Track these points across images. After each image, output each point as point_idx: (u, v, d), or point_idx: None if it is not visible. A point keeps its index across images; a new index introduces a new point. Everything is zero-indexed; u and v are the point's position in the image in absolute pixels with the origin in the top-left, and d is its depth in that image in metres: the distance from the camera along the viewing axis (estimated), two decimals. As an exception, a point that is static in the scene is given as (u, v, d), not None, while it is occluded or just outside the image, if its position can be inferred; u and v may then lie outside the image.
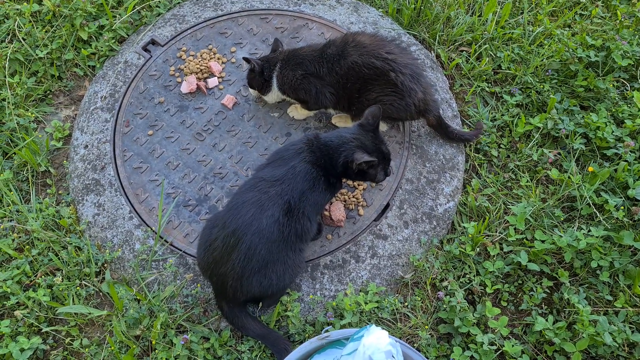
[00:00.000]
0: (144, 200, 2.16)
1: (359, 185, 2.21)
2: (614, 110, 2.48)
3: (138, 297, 1.96)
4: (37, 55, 2.47)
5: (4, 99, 2.39)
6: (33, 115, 2.40)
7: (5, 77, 2.40)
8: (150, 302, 1.94)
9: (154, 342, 1.87)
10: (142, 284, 2.00)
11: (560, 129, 2.42)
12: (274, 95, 2.26)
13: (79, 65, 2.56)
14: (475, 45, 2.64)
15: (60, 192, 2.29)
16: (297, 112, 2.33)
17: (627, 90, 2.55)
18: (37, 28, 2.52)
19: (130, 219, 2.13)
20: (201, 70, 2.41)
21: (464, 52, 2.68)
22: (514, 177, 2.36)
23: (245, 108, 2.36)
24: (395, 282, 2.09)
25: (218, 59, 2.45)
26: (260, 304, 1.92)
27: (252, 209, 1.76)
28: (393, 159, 2.25)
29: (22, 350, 1.90)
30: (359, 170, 1.87)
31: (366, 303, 1.95)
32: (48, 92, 2.52)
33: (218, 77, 2.41)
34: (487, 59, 2.62)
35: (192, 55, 2.46)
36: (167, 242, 2.08)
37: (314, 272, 2.05)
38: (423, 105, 2.15)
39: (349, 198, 2.18)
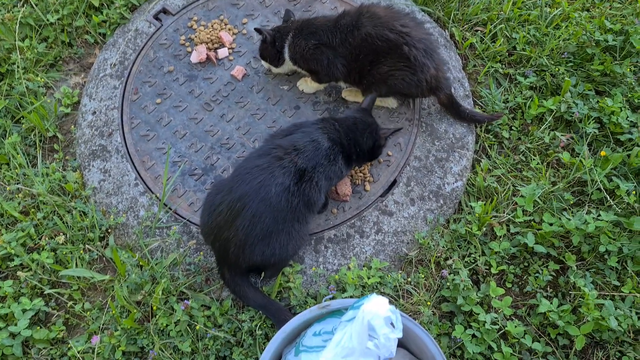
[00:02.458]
0: (150, 167, 2.15)
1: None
2: (630, 95, 2.43)
3: (141, 263, 1.95)
4: (48, 20, 2.46)
5: (13, 63, 2.38)
6: (42, 80, 2.40)
7: (15, 40, 2.39)
8: (153, 269, 1.94)
9: (154, 308, 1.87)
10: (145, 251, 2.00)
11: (574, 112, 2.38)
12: (285, 66, 2.24)
13: (90, 33, 2.55)
14: (491, 25, 2.60)
15: (67, 157, 2.29)
16: (307, 85, 2.30)
17: (645, 76, 2.51)
18: (49, -7, 2.51)
19: (135, 186, 2.12)
20: (211, 40, 2.38)
21: (479, 31, 2.63)
22: (524, 159, 2.32)
23: (254, 80, 2.34)
24: (399, 258, 2.07)
25: (229, 29, 2.43)
26: (263, 274, 1.91)
27: (262, 175, 1.74)
28: (402, 136, 2.23)
29: (24, 310, 1.90)
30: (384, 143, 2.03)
31: (369, 278, 1.94)
32: (58, 58, 2.52)
33: (228, 48, 2.39)
34: (502, 40, 2.57)
35: (203, 25, 2.44)
36: (172, 209, 2.07)
37: (318, 245, 2.04)
38: (435, 82, 2.12)
39: (356, 173, 2.15)
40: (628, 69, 2.47)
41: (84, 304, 1.96)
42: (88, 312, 1.93)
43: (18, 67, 2.36)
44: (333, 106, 2.29)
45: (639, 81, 2.49)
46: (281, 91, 2.32)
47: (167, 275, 1.95)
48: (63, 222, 2.07)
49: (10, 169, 2.21)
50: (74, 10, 2.52)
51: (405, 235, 2.09)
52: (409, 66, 2.04)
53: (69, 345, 1.87)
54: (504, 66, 2.56)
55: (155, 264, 1.96)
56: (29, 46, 2.41)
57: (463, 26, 2.62)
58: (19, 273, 1.94)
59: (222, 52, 2.37)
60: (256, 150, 1.89)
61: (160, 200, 2.07)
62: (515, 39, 2.59)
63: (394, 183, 2.16)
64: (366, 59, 2.06)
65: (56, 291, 1.97)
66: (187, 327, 1.85)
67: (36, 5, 2.47)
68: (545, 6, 2.71)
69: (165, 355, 1.82)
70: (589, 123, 2.36)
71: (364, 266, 2.01)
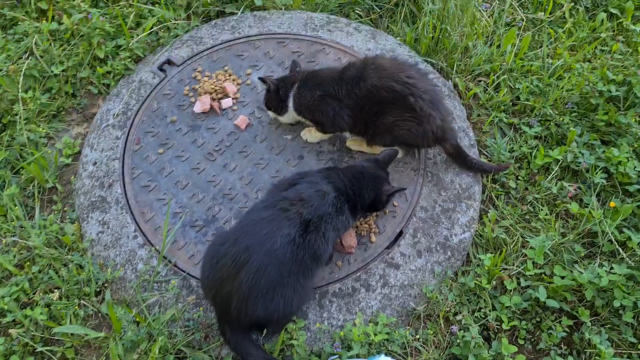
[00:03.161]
0: (150, 219, 2.10)
1: (371, 211, 2.15)
2: (636, 145, 2.40)
3: (137, 319, 1.88)
4: (52, 72, 2.46)
5: (16, 114, 2.37)
6: (44, 130, 2.38)
7: (18, 92, 2.39)
8: (150, 325, 1.86)
9: (151, 367, 1.78)
10: (142, 306, 1.92)
11: (581, 162, 2.35)
12: (289, 116, 2.23)
13: (94, 84, 2.55)
14: (494, 75, 2.60)
15: (65, 209, 2.24)
16: (310, 135, 2.28)
17: (650, 126, 2.49)
18: (54, 46, 2.53)
19: (134, 238, 2.07)
20: (216, 90, 2.38)
21: (482, 82, 2.64)
22: (532, 209, 2.28)
23: (258, 129, 2.32)
24: (406, 313, 1.99)
25: (233, 80, 2.43)
26: (265, 331, 1.82)
27: (268, 227, 1.70)
28: (407, 186, 2.19)
29: (14, 370, 1.82)
30: (386, 200, 1.97)
31: (375, 334, 1.85)
32: (61, 109, 2.51)
33: (232, 98, 2.38)
34: (506, 90, 2.57)
35: (207, 76, 2.45)
36: (171, 262, 2.01)
37: (322, 299, 1.96)
38: (441, 133, 2.09)
39: (361, 224, 2.10)
40: (633, 119, 2.46)
41: (77, 362, 1.87)
42: (81, 372, 1.84)
43: (20, 118, 2.35)
44: (337, 156, 2.27)
45: (644, 131, 2.47)
46: (285, 141, 2.29)
47: (165, 332, 1.87)
48: (58, 276, 2.01)
49: (7, 221, 2.16)
50: (79, 62, 2.53)
51: (413, 289, 2.01)
52: (415, 117, 2.03)
53: (60, 408, 1.77)
54: (508, 116, 2.55)
55: (153, 320, 1.88)
56: (32, 97, 2.40)
57: (466, 76, 2.63)
58: (10, 330, 1.87)
59: (226, 103, 2.36)
60: (261, 202, 1.85)
61: (159, 252, 2.01)
62: (519, 89, 2.59)
63: (400, 234, 2.10)
64: (372, 110, 2.05)
65: (49, 349, 1.88)
66: (185, 389, 1.76)
67: (41, 57, 2.49)
68: (547, 57, 2.73)
69: (161, 419, 1.72)
70: (597, 173, 2.33)
71: (370, 321, 1.93)
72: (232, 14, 2.76)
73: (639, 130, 2.45)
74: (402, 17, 2.80)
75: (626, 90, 2.54)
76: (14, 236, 2.11)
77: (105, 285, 2.02)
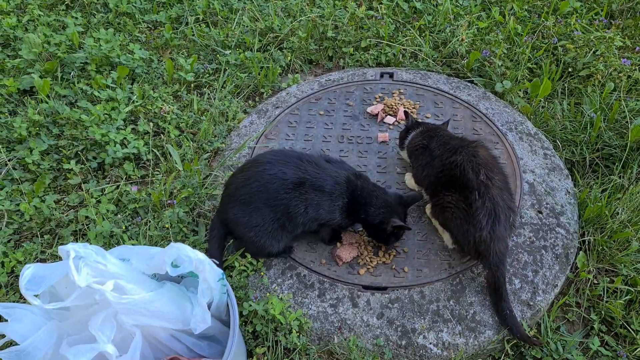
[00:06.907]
0: (270, 139, 2.69)
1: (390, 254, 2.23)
2: None
3: (197, 174, 2.50)
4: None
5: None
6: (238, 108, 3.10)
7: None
8: (201, 187, 2.47)
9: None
10: (212, 173, 2.54)
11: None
12: (404, 153, 2.46)
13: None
14: (634, 289, 2.20)
15: (253, 105, 3.00)
16: (409, 179, 2.44)
17: None
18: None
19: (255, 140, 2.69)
20: (391, 107, 2.76)
21: (609, 279, 2.25)
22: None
23: (386, 150, 2.61)
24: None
25: (411, 111, 2.76)
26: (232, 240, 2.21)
27: (281, 167, 2.04)
28: (430, 274, 2.18)
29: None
30: (391, 230, 2.09)
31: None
32: (256, 90, 3.16)
33: (397, 120, 2.72)
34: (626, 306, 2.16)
35: (399, 98, 2.83)
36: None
37: (286, 271, 2.20)
38: (483, 248, 2.00)
39: (367, 255, 2.22)
40: None
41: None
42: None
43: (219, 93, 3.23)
44: (411, 218, 2.35)
45: None
46: (394, 170, 2.53)
47: (202, 190, 2.45)
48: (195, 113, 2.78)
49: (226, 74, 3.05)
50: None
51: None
52: (467, 212, 2.01)
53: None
54: (604, 329, 2.16)
55: (204, 187, 2.48)
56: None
57: (600, 261, 2.29)
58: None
59: (389, 119, 2.72)
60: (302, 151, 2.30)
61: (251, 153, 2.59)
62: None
63: (384, 289, 2.14)
64: (441, 181, 2.13)
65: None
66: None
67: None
68: None
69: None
70: None
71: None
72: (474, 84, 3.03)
73: None
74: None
75: None
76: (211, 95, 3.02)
77: (213, 150, 2.73)
